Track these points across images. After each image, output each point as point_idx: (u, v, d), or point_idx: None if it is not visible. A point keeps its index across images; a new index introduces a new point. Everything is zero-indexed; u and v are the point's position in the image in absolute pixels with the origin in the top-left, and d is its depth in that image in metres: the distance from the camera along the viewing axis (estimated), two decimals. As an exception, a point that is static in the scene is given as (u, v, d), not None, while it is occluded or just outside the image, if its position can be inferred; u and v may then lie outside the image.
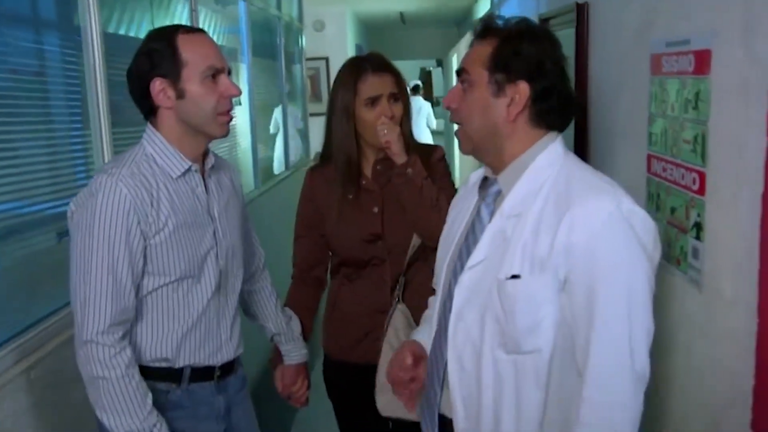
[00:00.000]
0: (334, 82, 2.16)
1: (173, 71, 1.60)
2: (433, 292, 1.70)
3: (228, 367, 1.81)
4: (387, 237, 2.12)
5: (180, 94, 1.61)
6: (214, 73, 1.63)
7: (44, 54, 2.18)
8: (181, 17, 3.22)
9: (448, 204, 1.74)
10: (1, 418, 1.63)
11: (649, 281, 1.32)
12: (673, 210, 1.56)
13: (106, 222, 1.54)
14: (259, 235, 2.08)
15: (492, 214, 1.46)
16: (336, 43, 8.06)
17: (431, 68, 17.16)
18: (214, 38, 1.84)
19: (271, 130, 5.42)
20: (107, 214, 1.54)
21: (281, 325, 2.08)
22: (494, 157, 1.47)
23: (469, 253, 1.45)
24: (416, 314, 2.02)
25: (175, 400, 1.71)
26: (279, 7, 5.40)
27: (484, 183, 1.53)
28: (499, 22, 1.45)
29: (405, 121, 2.12)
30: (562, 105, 1.43)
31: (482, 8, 7.26)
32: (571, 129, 2.31)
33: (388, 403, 1.99)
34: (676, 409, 1.58)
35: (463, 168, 8.84)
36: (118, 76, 2.38)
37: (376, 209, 2.13)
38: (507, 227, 1.40)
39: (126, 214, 1.55)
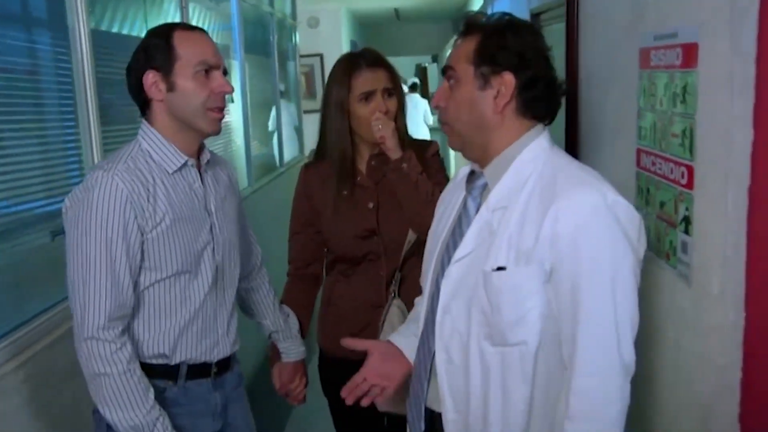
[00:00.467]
0: (329, 78, 2.16)
1: (166, 65, 1.62)
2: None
3: (225, 364, 1.82)
4: (382, 233, 2.12)
5: (170, 87, 1.62)
6: (208, 69, 1.64)
7: (35, 52, 2.17)
8: (169, 13, 3.21)
9: None
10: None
11: (634, 271, 1.33)
12: (662, 204, 1.55)
13: (103, 217, 1.54)
14: (253, 232, 2.08)
15: (478, 207, 1.47)
16: (330, 40, 8.04)
17: (427, 64, 17.13)
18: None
19: (270, 127, 5.42)
20: (104, 208, 1.54)
21: (279, 323, 2.08)
22: (481, 152, 1.47)
23: (455, 247, 1.46)
24: (412, 309, 2.01)
25: (172, 397, 1.71)
26: (272, 3, 5.39)
27: (471, 177, 1.54)
28: (482, 19, 1.46)
29: (400, 116, 2.12)
30: (549, 93, 1.44)
31: (476, 3, 7.25)
32: (561, 123, 2.31)
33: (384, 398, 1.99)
34: (665, 403, 1.58)
35: (458, 163, 8.83)
36: (107, 73, 2.39)
37: (371, 205, 2.13)
38: (493, 220, 1.41)
39: (123, 208, 1.55)
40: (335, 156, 2.12)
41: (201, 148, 1.75)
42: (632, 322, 1.32)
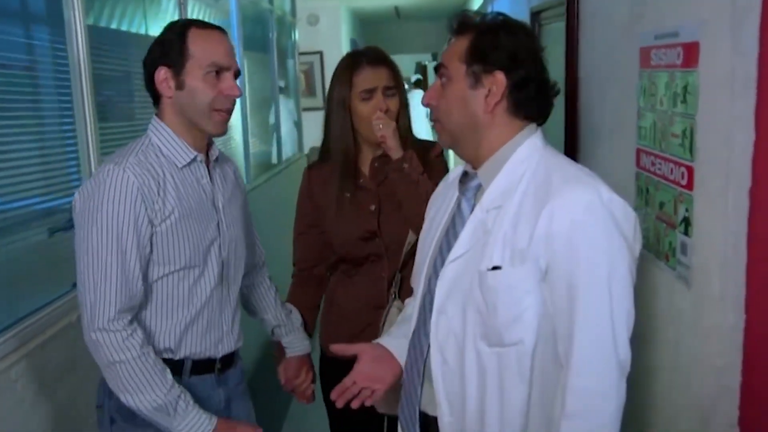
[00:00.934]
0: (332, 76, 2.16)
1: (178, 62, 1.63)
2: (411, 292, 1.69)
3: (228, 360, 1.82)
4: (383, 234, 2.12)
5: (180, 86, 1.63)
6: (218, 70, 1.64)
7: (32, 48, 2.16)
8: (168, 9, 3.19)
9: None
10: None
11: (630, 269, 1.32)
12: (661, 205, 1.55)
13: (115, 209, 1.55)
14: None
15: (472, 208, 1.46)
16: (330, 38, 8.02)
17: (427, 62, 17.14)
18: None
19: (272, 121, 5.41)
20: (116, 200, 1.55)
21: (281, 317, 2.08)
22: (473, 151, 1.47)
23: (449, 248, 1.45)
24: (401, 311, 2.01)
25: None
26: (271, 0, 5.38)
27: (464, 178, 1.53)
28: (476, 18, 1.45)
29: (402, 115, 2.11)
30: (540, 94, 1.44)
31: (477, 2, 7.23)
32: (561, 123, 2.30)
33: (383, 399, 1.98)
34: (664, 404, 1.58)
35: (458, 163, 8.82)
36: (105, 70, 2.37)
37: (372, 207, 2.13)
38: (487, 220, 1.40)
39: (134, 200, 1.56)
40: (338, 154, 2.11)
41: (210, 145, 1.76)
42: (628, 320, 1.32)
